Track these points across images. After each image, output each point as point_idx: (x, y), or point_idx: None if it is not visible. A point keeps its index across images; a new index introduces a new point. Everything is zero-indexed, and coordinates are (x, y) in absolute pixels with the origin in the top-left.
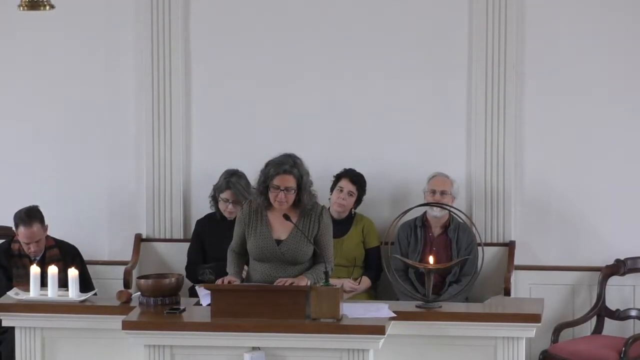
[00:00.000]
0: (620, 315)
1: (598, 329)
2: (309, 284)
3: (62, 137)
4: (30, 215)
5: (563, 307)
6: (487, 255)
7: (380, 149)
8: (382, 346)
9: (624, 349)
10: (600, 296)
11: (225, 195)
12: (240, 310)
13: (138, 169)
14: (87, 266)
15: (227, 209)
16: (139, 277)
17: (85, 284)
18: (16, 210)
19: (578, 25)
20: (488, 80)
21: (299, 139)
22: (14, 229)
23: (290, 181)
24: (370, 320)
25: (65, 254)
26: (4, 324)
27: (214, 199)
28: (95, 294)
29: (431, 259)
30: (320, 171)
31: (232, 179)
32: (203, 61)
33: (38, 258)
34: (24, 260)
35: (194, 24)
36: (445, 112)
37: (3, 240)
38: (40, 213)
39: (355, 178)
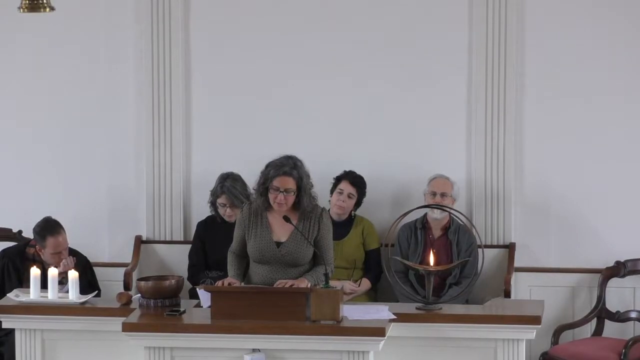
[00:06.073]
0: (620, 317)
1: (598, 330)
2: (309, 285)
3: (62, 139)
4: (56, 225)
5: (563, 309)
6: (487, 257)
7: (380, 150)
8: (382, 348)
9: (624, 350)
10: (601, 298)
11: (221, 200)
12: (241, 312)
13: (138, 170)
14: None
15: (225, 213)
16: (139, 279)
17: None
18: (35, 224)
19: (578, 28)
20: (488, 83)
21: (299, 141)
22: (35, 240)
23: (290, 183)
24: (370, 322)
25: (77, 263)
26: (4, 325)
27: (213, 204)
28: (98, 294)
29: (431, 261)
30: (320, 173)
31: (226, 183)
32: (203, 64)
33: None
34: (38, 266)
35: (194, 27)
36: (445, 114)
37: (15, 244)
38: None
39: (355, 180)
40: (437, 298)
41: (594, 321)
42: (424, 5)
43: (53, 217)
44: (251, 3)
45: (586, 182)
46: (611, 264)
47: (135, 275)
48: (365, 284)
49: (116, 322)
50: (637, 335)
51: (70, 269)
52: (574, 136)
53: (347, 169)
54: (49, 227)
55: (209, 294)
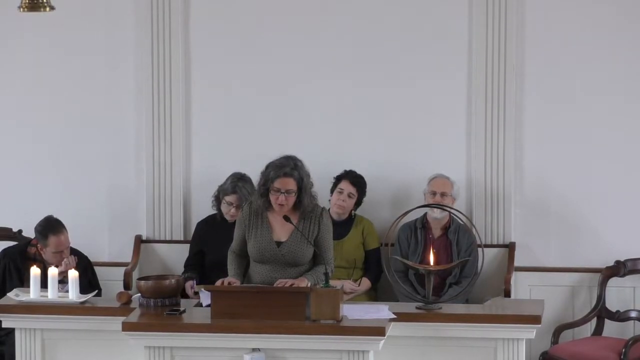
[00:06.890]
0: (620, 317)
1: (598, 330)
2: (309, 285)
3: (63, 139)
4: (58, 224)
5: (563, 308)
6: (487, 257)
7: (380, 150)
8: (382, 347)
9: (624, 350)
10: (600, 297)
11: (230, 198)
12: (240, 312)
13: (138, 170)
14: None
15: (229, 212)
16: (139, 279)
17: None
18: (36, 223)
19: (578, 27)
20: (488, 82)
21: (299, 141)
22: (37, 239)
23: (291, 184)
24: (370, 322)
25: (78, 263)
26: (4, 325)
27: (217, 199)
28: (99, 293)
29: (431, 260)
30: (320, 173)
31: (239, 183)
32: (203, 64)
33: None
34: (38, 265)
35: (194, 28)
36: (445, 114)
37: (15, 243)
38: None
39: (355, 180)
40: (437, 298)
41: (594, 321)
42: (424, 5)
43: (54, 216)
44: (251, 3)
45: (586, 181)
46: (611, 263)
47: (135, 275)
48: (365, 283)
49: (116, 322)
50: (637, 335)
51: (72, 268)
52: (574, 136)
53: (347, 169)
54: (51, 226)
55: (209, 293)
